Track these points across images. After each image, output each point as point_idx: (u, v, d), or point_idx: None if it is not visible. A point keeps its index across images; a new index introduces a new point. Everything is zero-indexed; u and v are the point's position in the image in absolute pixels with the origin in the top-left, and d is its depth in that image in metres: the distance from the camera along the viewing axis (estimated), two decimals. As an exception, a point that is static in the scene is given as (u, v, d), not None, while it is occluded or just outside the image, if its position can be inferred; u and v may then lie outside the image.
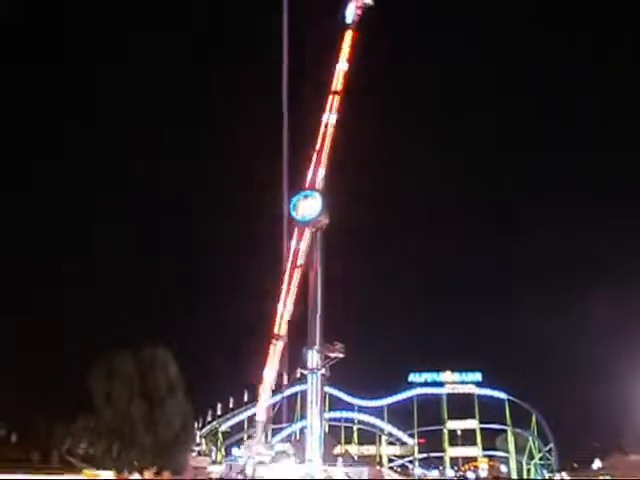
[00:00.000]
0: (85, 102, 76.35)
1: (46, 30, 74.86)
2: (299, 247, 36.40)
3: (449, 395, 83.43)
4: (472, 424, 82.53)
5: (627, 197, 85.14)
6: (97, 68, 74.72)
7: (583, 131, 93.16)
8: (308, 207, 34.97)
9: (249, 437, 74.42)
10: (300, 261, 36.55)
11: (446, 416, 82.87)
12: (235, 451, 74.24)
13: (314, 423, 34.64)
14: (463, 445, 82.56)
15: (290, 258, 36.36)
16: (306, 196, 35.15)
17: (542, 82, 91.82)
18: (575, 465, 74.30)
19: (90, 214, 74.70)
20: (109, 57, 76.30)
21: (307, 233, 35.08)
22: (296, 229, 36.19)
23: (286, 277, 36.41)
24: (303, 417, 43.88)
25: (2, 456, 42.42)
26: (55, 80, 72.89)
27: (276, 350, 37.80)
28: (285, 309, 36.51)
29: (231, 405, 78.41)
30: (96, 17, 74.61)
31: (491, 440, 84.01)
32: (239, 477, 37.57)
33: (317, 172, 36.58)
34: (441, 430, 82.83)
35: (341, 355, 34.52)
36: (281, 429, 70.91)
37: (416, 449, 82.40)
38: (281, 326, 36.92)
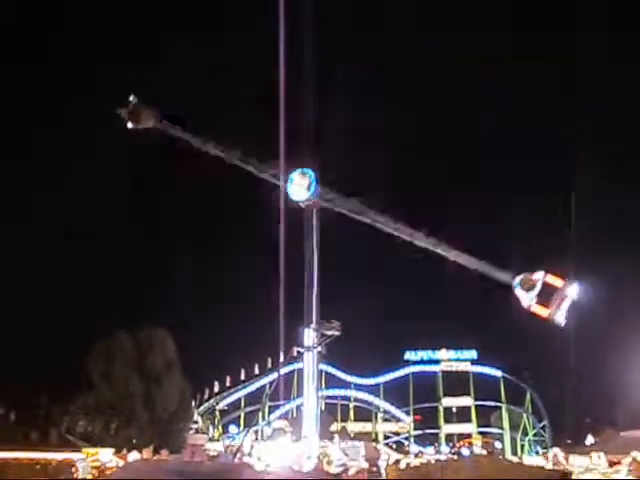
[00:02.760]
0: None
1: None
2: None
3: (444, 373, 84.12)
4: (467, 401, 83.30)
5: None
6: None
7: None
8: (303, 185, 34.75)
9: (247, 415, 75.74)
10: None
11: (441, 393, 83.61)
12: (232, 429, 75.11)
13: (310, 401, 34.89)
14: (458, 422, 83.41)
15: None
16: (303, 173, 34.89)
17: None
18: (569, 441, 75.14)
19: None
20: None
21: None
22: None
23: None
24: (300, 395, 44.19)
25: (1, 435, 42.73)
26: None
27: None
28: None
29: (228, 383, 78.87)
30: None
31: (486, 417, 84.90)
32: (235, 460, 37.86)
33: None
34: (436, 407, 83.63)
35: (337, 333, 34.62)
36: (278, 407, 71.63)
37: (412, 426, 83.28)
38: None
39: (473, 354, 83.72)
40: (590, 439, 61.85)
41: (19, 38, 71.66)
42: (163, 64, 74.07)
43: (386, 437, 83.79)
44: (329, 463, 35.99)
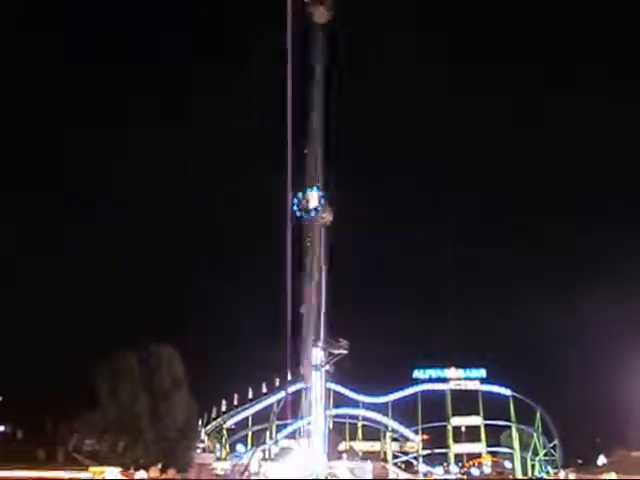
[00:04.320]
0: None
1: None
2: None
3: (453, 391, 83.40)
4: (476, 420, 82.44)
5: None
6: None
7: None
8: (310, 203, 34.90)
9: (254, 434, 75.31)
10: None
11: (450, 412, 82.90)
12: (240, 447, 74.65)
13: (319, 420, 34.71)
14: (467, 441, 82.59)
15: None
16: (309, 192, 35.07)
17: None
18: (580, 461, 74.29)
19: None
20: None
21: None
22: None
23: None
24: (307, 414, 43.90)
25: (8, 453, 42.57)
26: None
27: None
28: None
29: (235, 402, 78.51)
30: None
31: (495, 436, 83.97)
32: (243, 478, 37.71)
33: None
34: (445, 426, 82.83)
35: (345, 352, 34.60)
36: (285, 426, 71.18)
37: (420, 445, 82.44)
38: None
39: (482, 373, 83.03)
40: (602, 459, 61.26)
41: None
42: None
43: (394, 456, 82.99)
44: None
